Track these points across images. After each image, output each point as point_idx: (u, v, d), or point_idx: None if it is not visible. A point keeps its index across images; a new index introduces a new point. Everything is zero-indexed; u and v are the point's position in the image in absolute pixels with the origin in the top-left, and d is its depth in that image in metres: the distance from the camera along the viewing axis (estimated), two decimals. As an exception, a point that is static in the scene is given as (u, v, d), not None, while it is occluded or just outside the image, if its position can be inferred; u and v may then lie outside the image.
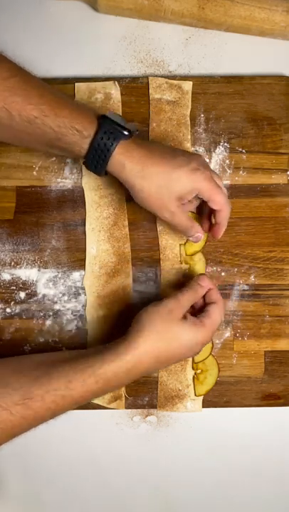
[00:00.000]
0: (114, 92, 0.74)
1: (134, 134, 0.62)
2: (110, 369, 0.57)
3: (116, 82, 0.74)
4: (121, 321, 0.73)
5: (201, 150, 0.74)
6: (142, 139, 0.64)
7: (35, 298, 0.73)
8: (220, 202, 0.63)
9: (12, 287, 0.73)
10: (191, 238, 0.67)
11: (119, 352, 0.58)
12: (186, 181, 0.61)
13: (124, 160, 0.60)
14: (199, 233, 0.67)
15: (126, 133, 0.60)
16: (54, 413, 0.57)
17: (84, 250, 0.73)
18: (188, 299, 0.62)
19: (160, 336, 0.59)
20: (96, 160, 0.61)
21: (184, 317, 0.60)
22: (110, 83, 0.74)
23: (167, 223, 0.65)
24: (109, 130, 0.60)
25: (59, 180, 0.74)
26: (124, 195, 0.73)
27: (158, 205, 0.62)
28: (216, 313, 0.62)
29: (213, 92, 0.74)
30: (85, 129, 0.60)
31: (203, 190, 0.62)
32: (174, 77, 0.74)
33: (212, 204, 0.63)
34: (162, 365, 0.61)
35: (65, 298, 0.73)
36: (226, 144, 0.74)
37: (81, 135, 0.60)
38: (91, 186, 0.73)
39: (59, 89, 0.63)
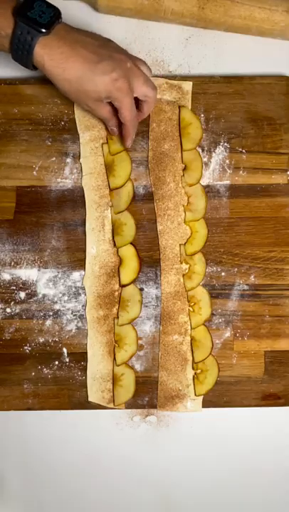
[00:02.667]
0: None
1: (55, 26, 0.61)
2: None
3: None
4: (121, 321, 0.73)
5: (201, 150, 0.74)
6: (69, 28, 0.63)
7: (35, 298, 0.73)
8: (125, 117, 0.65)
9: (12, 287, 0.73)
10: (109, 129, 0.70)
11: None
12: (103, 89, 0.63)
13: (44, 57, 0.61)
14: (114, 127, 0.69)
15: (43, 30, 0.60)
16: None
17: (84, 250, 0.73)
18: None
19: None
20: (20, 56, 0.62)
21: None
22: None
23: None
24: (25, 29, 0.60)
25: (59, 180, 0.74)
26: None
27: (77, 100, 0.66)
28: None
29: (213, 92, 0.74)
30: (2, 28, 0.61)
31: (115, 101, 0.64)
32: (174, 77, 0.74)
33: (119, 115, 0.66)
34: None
35: (65, 298, 0.73)
36: (226, 143, 0.74)
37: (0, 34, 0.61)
38: (91, 186, 0.73)
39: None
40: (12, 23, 0.60)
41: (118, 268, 0.73)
